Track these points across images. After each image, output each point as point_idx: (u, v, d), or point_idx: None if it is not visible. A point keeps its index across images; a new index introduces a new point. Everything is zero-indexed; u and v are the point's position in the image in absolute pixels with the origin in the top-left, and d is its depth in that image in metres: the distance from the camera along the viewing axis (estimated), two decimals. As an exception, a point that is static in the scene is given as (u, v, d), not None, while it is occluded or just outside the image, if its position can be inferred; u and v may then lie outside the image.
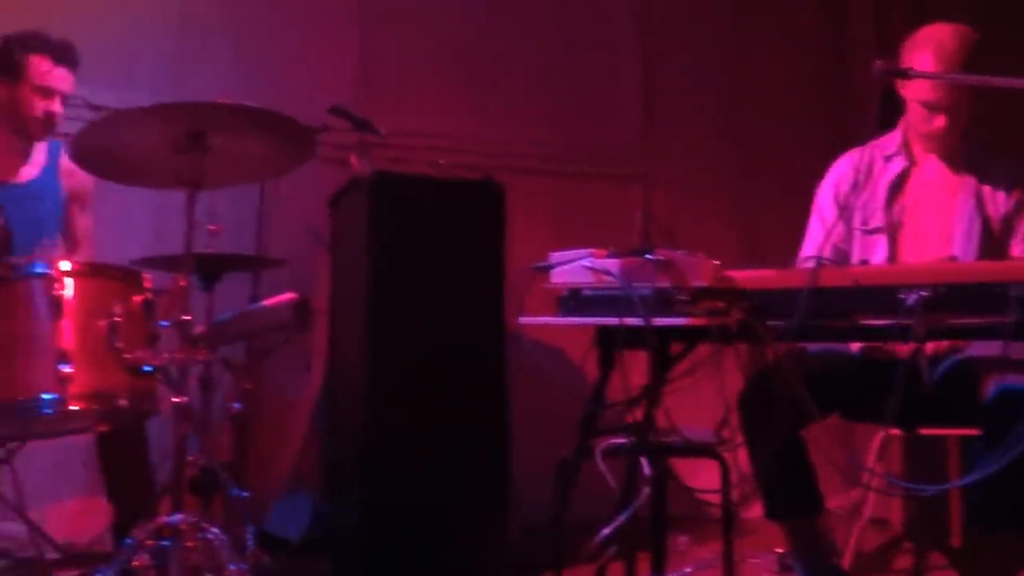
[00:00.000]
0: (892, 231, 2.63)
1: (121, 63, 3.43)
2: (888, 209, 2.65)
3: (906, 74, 2.41)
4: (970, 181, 2.60)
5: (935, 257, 2.53)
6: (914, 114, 2.61)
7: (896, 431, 2.84)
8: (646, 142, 4.41)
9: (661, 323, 2.06)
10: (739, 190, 4.53)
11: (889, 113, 2.70)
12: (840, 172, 2.75)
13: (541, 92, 4.24)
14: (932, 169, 2.65)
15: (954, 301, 1.87)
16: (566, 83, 4.28)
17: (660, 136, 4.42)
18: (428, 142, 3.80)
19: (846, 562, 2.97)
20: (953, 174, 2.63)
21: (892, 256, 2.62)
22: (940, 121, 2.55)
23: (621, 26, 4.40)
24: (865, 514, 3.12)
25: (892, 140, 2.71)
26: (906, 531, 3.24)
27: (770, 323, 2.03)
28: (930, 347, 2.42)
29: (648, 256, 2.11)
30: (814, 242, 2.71)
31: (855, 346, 2.56)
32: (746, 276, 2.09)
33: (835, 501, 3.15)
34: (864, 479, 2.85)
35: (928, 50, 2.51)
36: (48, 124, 2.90)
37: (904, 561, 3.18)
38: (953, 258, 2.47)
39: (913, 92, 2.56)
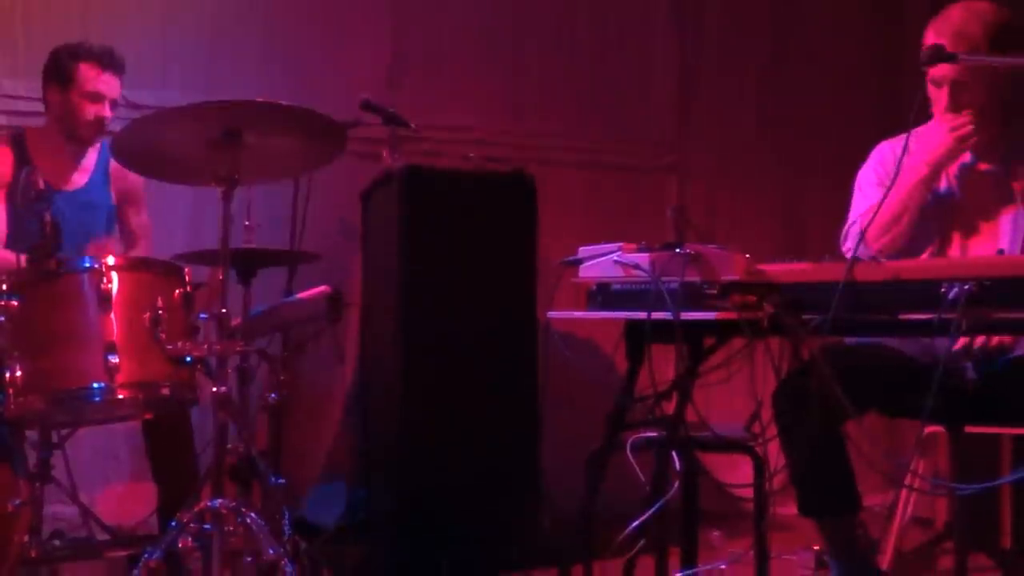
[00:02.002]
0: (937, 218, 2.57)
1: (157, 63, 3.53)
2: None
3: (954, 58, 2.37)
4: (1012, 174, 2.54)
5: (979, 252, 2.48)
6: (932, 98, 2.55)
7: (938, 428, 2.81)
8: (681, 133, 4.40)
9: (689, 317, 2.06)
10: (778, 180, 4.49)
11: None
12: (881, 156, 2.70)
13: (574, 84, 4.24)
14: (969, 162, 2.59)
15: (1000, 295, 1.83)
16: (599, 74, 4.28)
17: (696, 127, 4.40)
18: (460, 135, 3.83)
19: (885, 561, 2.95)
20: (992, 167, 2.57)
21: (941, 248, 2.56)
22: (944, 96, 2.49)
23: (656, 17, 4.38)
24: (906, 512, 3.08)
25: (926, 131, 2.62)
26: (949, 531, 3.19)
27: (806, 317, 2.01)
28: (978, 342, 2.38)
29: (678, 250, 2.11)
30: (855, 216, 2.67)
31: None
32: (780, 269, 2.07)
33: (876, 499, 3.13)
34: (903, 477, 2.81)
35: (932, 28, 2.48)
36: (98, 127, 3.03)
37: (947, 562, 3.11)
38: (1001, 251, 2.42)
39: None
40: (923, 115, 2.57)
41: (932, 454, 3.00)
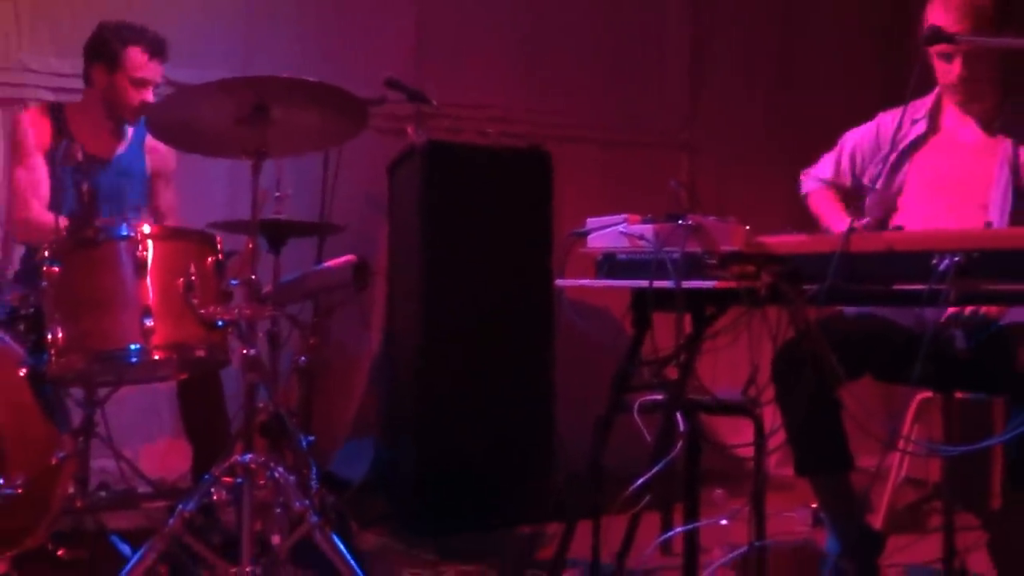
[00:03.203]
0: (890, 197, 2.67)
1: (196, 42, 3.58)
2: (890, 177, 2.68)
3: (952, 39, 2.40)
4: (1006, 146, 2.57)
5: (935, 225, 2.53)
6: (937, 69, 2.60)
7: (930, 394, 2.89)
8: (693, 112, 4.46)
9: (690, 286, 2.15)
10: (789, 158, 4.53)
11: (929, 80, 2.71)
12: (870, 129, 2.79)
13: (590, 63, 4.30)
14: (965, 134, 2.64)
15: (988, 267, 1.87)
16: (614, 54, 4.34)
17: (707, 106, 4.46)
18: (480, 112, 3.91)
19: (879, 518, 3.04)
20: (988, 139, 2.61)
21: (884, 221, 2.64)
22: (956, 67, 2.52)
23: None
24: (899, 473, 3.18)
25: (924, 103, 2.71)
26: (939, 491, 3.29)
27: (803, 287, 2.09)
28: (967, 311, 2.43)
29: (680, 222, 2.19)
30: (821, 173, 2.84)
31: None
32: (778, 240, 2.16)
33: (871, 460, 3.22)
34: (894, 439, 2.89)
35: (939, 2, 2.52)
36: (141, 112, 3.08)
37: (937, 519, 3.22)
38: (989, 224, 2.45)
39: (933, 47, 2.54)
40: (920, 89, 2.63)
41: (927, 418, 3.08)
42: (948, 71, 2.56)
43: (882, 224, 2.66)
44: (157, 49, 3.07)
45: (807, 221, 4.35)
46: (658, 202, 3.82)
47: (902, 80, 4.36)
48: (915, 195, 2.67)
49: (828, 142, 4.36)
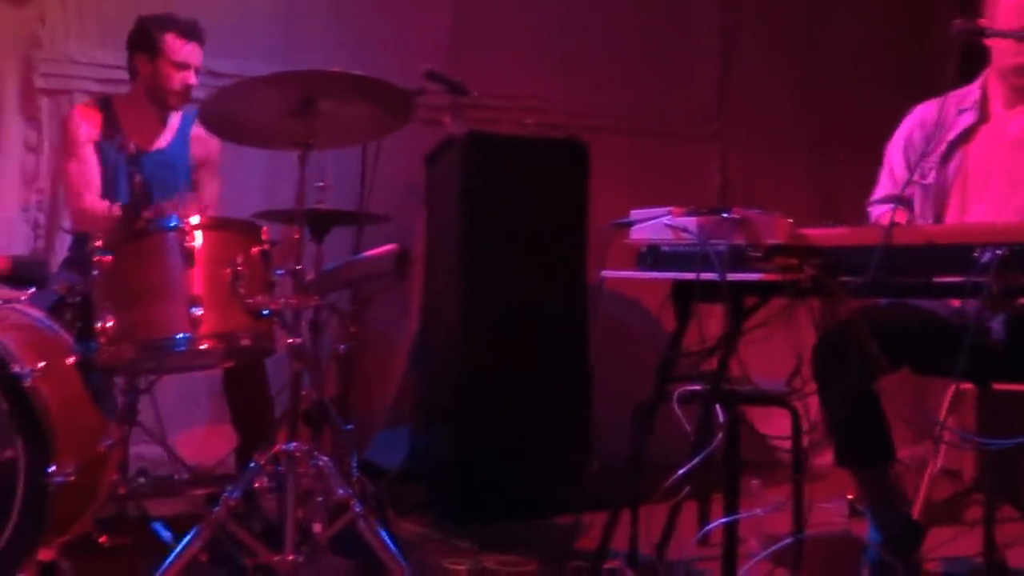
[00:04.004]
0: (939, 191, 2.62)
1: (236, 32, 3.63)
2: (942, 167, 2.64)
3: (983, 32, 2.42)
4: None
5: (994, 217, 2.51)
6: (1001, 53, 2.56)
7: (968, 385, 2.89)
8: (723, 102, 4.47)
9: (736, 278, 2.17)
10: (815, 149, 4.57)
11: (967, 72, 2.67)
12: (911, 125, 2.74)
13: (622, 54, 4.31)
14: (1016, 124, 2.61)
15: None
16: (646, 46, 4.35)
17: (737, 96, 4.48)
18: (516, 103, 3.94)
19: (915, 511, 3.01)
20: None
21: (938, 216, 2.62)
22: None
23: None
24: (936, 465, 3.17)
25: (970, 93, 2.67)
26: (977, 483, 3.28)
27: (844, 279, 2.10)
28: None
29: (725, 215, 2.21)
30: (883, 193, 2.76)
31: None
32: (820, 234, 2.17)
33: (906, 452, 3.22)
34: (934, 432, 2.90)
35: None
36: (185, 95, 3.18)
37: (974, 512, 3.21)
38: None
39: (1001, 24, 2.50)
40: (958, 80, 2.60)
41: (961, 410, 3.07)
42: (1018, 51, 2.51)
43: (938, 218, 2.64)
44: (192, 32, 3.16)
45: (833, 210, 4.38)
46: (689, 192, 3.86)
47: (928, 70, 4.39)
48: (967, 186, 2.63)
49: (854, 132, 4.40)
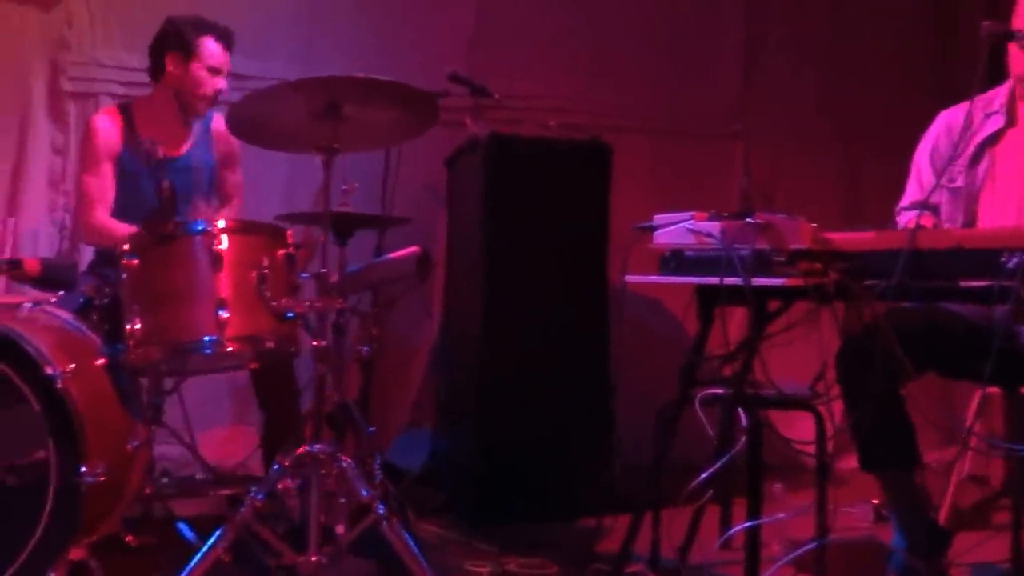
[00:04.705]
0: (969, 194, 2.60)
1: (259, 34, 3.63)
2: (970, 171, 2.62)
3: (1013, 36, 2.42)
4: None
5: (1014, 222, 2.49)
6: (1014, 60, 2.55)
7: (995, 389, 2.86)
8: (747, 102, 4.46)
9: (760, 283, 2.17)
10: (840, 148, 4.54)
11: (995, 75, 2.64)
12: (938, 131, 2.72)
13: (645, 55, 4.31)
14: None
15: None
16: (670, 46, 4.35)
17: (760, 96, 4.46)
18: (538, 103, 3.93)
19: (942, 516, 3.00)
20: None
21: (969, 219, 2.60)
22: None
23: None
24: (963, 470, 3.14)
25: (997, 96, 2.66)
26: (1006, 489, 3.26)
27: (869, 283, 2.10)
28: None
29: (748, 219, 2.22)
30: (910, 200, 2.74)
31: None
32: (845, 238, 2.17)
33: (933, 456, 3.20)
34: (962, 437, 2.87)
35: None
36: (213, 100, 3.16)
37: (1002, 517, 3.15)
38: None
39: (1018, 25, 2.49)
40: (986, 82, 2.58)
41: (989, 414, 3.05)
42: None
43: (968, 222, 2.61)
44: (228, 39, 3.17)
45: (858, 211, 4.37)
46: (713, 192, 3.86)
47: (954, 70, 4.37)
48: (996, 191, 2.61)
49: (880, 132, 4.38)
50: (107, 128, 3.15)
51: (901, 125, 2.98)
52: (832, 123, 4.53)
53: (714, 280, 2.24)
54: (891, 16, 4.59)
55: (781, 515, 2.71)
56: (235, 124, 2.62)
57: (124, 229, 2.91)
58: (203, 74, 3.13)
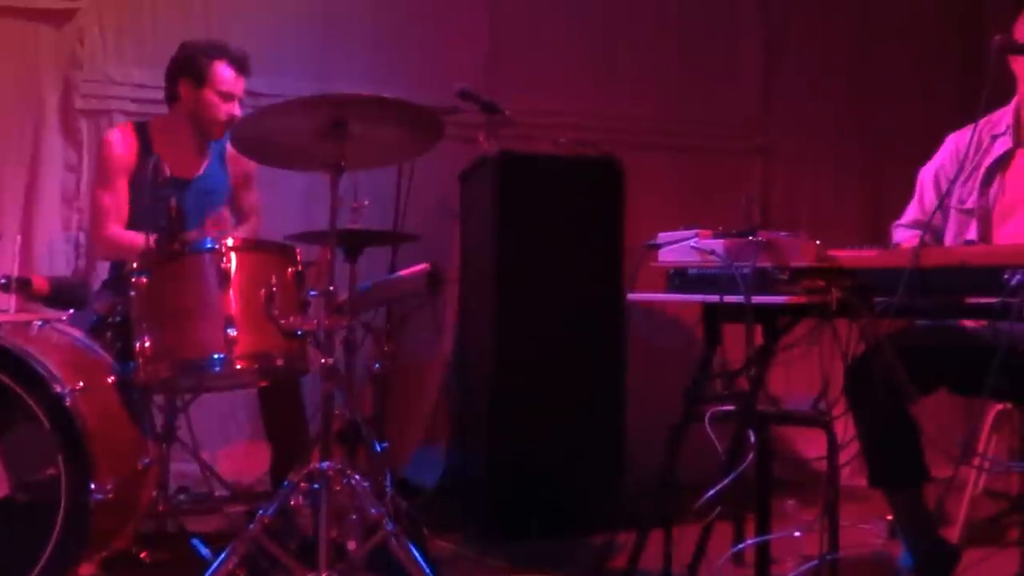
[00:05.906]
0: (984, 214, 2.59)
1: (271, 51, 3.64)
2: (983, 191, 2.60)
3: (1023, 50, 2.42)
4: None
5: None
6: (1017, 73, 2.54)
7: (1007, 405, 2.84)
8: (766, 118, 4.42)
9: (761, 301, 2.18)
10: (862, 164, 4.50)
11: (1005, 91, 2.64)
12: (944, 155, 2.73)
13: (662, 68, 4.28)
14: None
15: None
16: (686, 60, 4.32)
17: (780, 111, 4.42)
18: (552, 120, 3.90)
19: (956, 531, 2.98)
20: None
21: (984, 240, 2.58)
22: None
23: (743, 3, 4.40)
24: (976, 485, 3.12)
25: (1003, 118, 2.65)
26: (1017, 503, 3.23)
27: (875, 300, 2.10)
28: None
29: (751, 237, 2.23)
30: (911, 218, 2.75)
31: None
32: (849, 255, 2.17)
33: (946, 471, 3.17)
34: (965, 457, 2.84)
35: None
36: (228, 125, 3.15)
37: (1016, 533, 3.13)
38: None
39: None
40: (992, 104, 2.58)
41: (1004, 429, 3.03)
42: None
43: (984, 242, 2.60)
44: (242, 64, 3.17)
45: (883, 226, 4.32)
46: (730, 209, 3.81)
47: (978, 86, 4.31)
48: (1011, 212, 2.60)
49: (902, 147, 4.33)
50: (121, 144, 3.18)
51: (925, 139, 2.95)
52: (855, 137, 4.48)
53: (715, 298, 2.25)
54: (916, 28, 4.54)
55: (793, 531, 2.70)
56: (240, 142, 2.63)
57: (138, 239, 2.91)
58: (215, 100, 3.14)
